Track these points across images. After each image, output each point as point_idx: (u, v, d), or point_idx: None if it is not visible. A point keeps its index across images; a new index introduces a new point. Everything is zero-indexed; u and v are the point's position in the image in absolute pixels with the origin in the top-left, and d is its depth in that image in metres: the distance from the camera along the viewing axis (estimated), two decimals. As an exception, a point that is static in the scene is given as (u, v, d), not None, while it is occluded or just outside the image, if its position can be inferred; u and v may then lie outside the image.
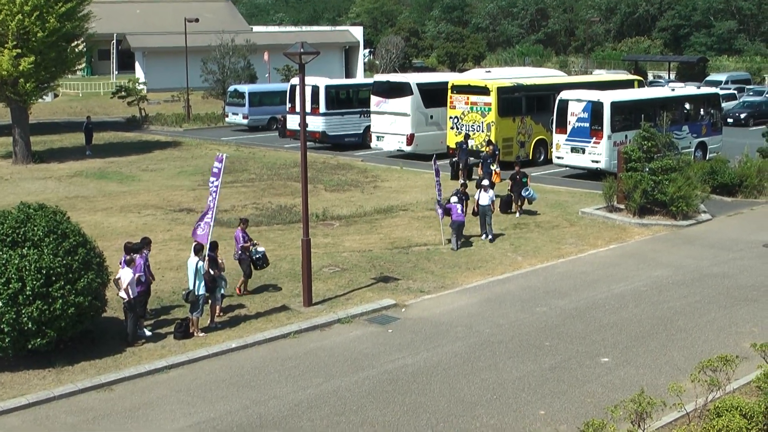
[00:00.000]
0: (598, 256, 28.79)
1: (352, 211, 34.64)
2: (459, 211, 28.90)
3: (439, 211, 29.67)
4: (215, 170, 21.98)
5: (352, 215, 34.06)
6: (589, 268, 27.22)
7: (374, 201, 36.79)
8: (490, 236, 29.94)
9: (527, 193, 33.01)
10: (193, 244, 21.45)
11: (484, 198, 30.15)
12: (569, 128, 40.82)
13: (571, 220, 33.36)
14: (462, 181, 34.67)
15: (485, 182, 30.82)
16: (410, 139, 46.99)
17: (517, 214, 33.29)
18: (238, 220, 32.43)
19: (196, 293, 20.86)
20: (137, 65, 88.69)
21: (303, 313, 22.64)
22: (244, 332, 21.29)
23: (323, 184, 40.67)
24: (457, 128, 44.72)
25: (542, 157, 45.86)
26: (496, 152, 40.05)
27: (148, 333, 21.01)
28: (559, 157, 41.79)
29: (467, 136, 42.35)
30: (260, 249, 24.37)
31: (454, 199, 29.25)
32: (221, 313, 22.36)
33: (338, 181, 41.59)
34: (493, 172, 37.76)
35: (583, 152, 40.50)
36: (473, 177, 40.62)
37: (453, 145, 43.58)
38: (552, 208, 34.82)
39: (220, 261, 22.12)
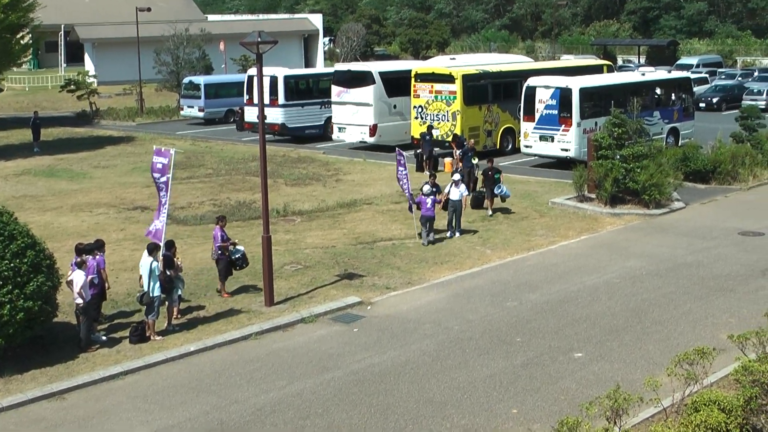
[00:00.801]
0: (570, 247, 28.86)
1: (314, 206, 34.52)
2: (429, 204, 28.78)
3: (410, 202, 29.57)
4: (158, 166, 21.88)
5: (314, 210, 33.94)
6: (560, 260, 27.27)
7: (337, 195, 36.68)
8: (457, 233, 29.82)
9: (500, 190, 32.42)
10: (148, 243, 21.27)
11: (455, 193, 30.00)
12: (537, 116, 40.90)
13: (541, 210, 33.43)
14: (429, 172, 34.60)
15: (456, 176, 30.60)
16: (373, 130, 46.92)
17: (490, 213, 32.81)
18: (197, 218, 32.45)
19: (151, 295, 20.67)
20: (87, 57, 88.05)
21: (264, 313, 22.51)
22: (203, 334, 21.13)
23: (283, 178, 40.52)
24: (422, 118, 44.71)
25: (510, 146, 45.95)
26: (464, 144, 40.09)
27: (102, 338, 20.80)
28: (527, 146, 41.87)
29: (431, 127, 42.36)
30: (240, 248, 24.18)
31: (426, 189, 29.15)
32: (179, 315, 22.18)
33: (299, 174, 41.44)
34: (454, 159, 37.81)
35: (552, 140, 40.60)
36: (439, 168, 40.68)
37: (418, 136, 43.57)
38: (521, 198, 34.87)
39: (177, 261, 21.92)
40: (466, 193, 30.69)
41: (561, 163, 41.00)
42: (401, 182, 29.92)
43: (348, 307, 23.06)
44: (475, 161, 35.91)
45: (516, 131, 45.11)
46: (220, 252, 23.77)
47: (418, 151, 41.90)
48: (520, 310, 22.73)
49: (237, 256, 23.93)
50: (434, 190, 29.40)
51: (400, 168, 29.93)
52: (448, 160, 41.74)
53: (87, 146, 51.82)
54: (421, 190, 29.38)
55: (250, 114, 52.14)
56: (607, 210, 32.95)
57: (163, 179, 21.74)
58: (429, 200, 28.80)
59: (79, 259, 20.56)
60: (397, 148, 31.72)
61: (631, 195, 33.43)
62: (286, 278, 25.28)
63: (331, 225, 31.70)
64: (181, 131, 58.07)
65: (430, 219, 28.87)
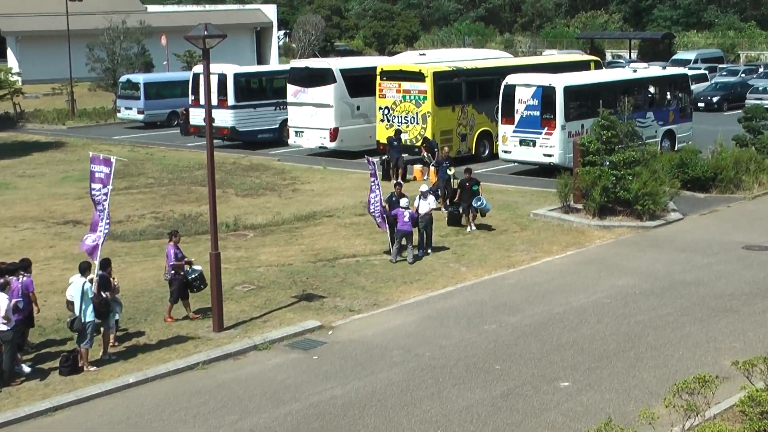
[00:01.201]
0: (554, 264, 28.96)
1: (269, 219, 34.46)
2: (406, 218, 28.71)
3: (378, 218, 29.30)
4: (100, 175, 21.71)
5: (268, 224, 33.88)
6: (543, 278, 27.36)
7: (294, 206, 36.64)
8: (428, 251, 29.76)
9: (479, 203, 32.12)
10: (80, 262, 21.11)
11: (424, 206, 29.79)
12: (517, 118, 41.06)
13: (522, 223, 33.53)
14: (396, 181, 34.57)
15: (423, 187, 30.45)
16: (334, 134, 46.93)
17: (469, 229, 32.46)
18: (136, 233, 32.30)
19: (84, 320, 20.46)
20: (9, 52, 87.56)
21: (213, 339, 22.42)
22: (144, 364, 21.00)
23: (234, 188, 40.45)
24: (388, 120, 44.76)
25: (487, 152, 46.12)
26: (435, 149, 40.17)
27: (27, 369, 20.57)
28: (506, 152, 42.01)
29: (399, 132, 42.37)
30: (197, 268, 24.01)
31: (404, 202, 29.10)
32: (116, 343, 22.03)
33: (251, 184, 41.38)
34: (426, 169, 37.83)
35: (534, 145, 40.77)
36: (408, 177, 40.69)
37: (384, 141, 43.59)
38: (500, 210, 34.96)
39: (113, 281, 21.79)
40: (434, 205, 30.46)
41: (544, 171, 41.16)
42: (372, 194, 29.46)
43: (307, 332, 23.00)
44: (452, 172, 35.46)
45: (493, 135, 45.25)
46: (173, 272, 23.61)
47: (384, 157, 41.89)
48: (499, 334, 22.75)
49: (194, 276, 23.74)
50: (419, 200, 29.40)
51: (372, 179, 29.64)
52: (417, 167, 41.83)
53: (10, 153, 51.53)
54: (391, 200, 29.37)
55: (196, 116, 51.96)
56: (596, 222, 33.10)
57: (104, 191, 21.54)
58: (407, 213, 28.74)
59: (2, 281, 20.33)
60: (367, 157, 31.58)
61: (622, 205, 33.58)
62: (237, 300, 25.20)
63: (287, 240, 31.64)
64: (118, 136, 57.87)
65: (407, 234, 28.80)
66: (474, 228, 32.45)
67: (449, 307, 24.98)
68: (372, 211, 29.47)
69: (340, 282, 26.99)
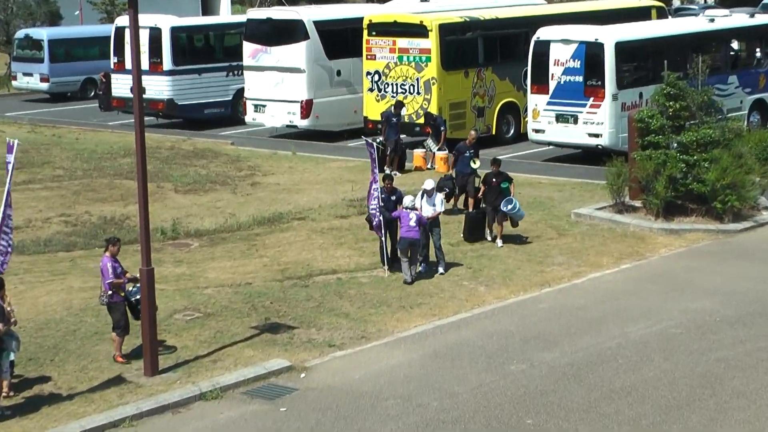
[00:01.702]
0: (603, 281, 28.88)
1: (219, 224, 34.38)
2: (413, 223, 28.43)
3: (375, 218, 29.15)
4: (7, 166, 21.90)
5: (218, 230, 33.81)
6: (589, 301, 27.28)
7: (253, 206, 36.59)
8: (439, 268, 29.65)
9: (511, 207, 31.38)
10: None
11: (427, 209, 29.54)
12: (552, 85, 41.01)
13: (560, 227, 33.44)
14: (387, 173, 34.26)
15: (428, 183, 30.14)
16: (306, 109, 46.83)
17: (499, 243, 31.85)
18: (39, 243, 32.22)
19: (-34, 361, 20.42)
20: None
21: (145, 386, 22.29)
22: (50, 420, 20.81)
23: (172, 181, 40.42)
24: (379, 90, 44.76)
25: (512, 131, 46.14)
26: (442, 128, 40.02)
27: None
28: (537, 131, 41.97)
29: (400, 105, 42.11)
30: None
31: (407, 200, 28.93)
32: (10, 392, 21.83)
33: (196, 176, 41.34)
34: (430, 155, 37.71)
35: (575, 122, 40.73)
36: (406, 167, 40.57)
37: (375, 117, 43.47)
38: (530, 209, 34.80)
39: (7, 309, 21.60)
40: (441, 208, 30.29)
41: (588, 156, 41.09)
42: (375, 184, 29.34)
43: (271, 375, 22.89)
44: (476, 165, 34.83)
45: (520, 108, 45.22)
46: (111, 293, 23.36)
47: (379, 140, 41.33)
48: (530, 377, 22.63)
49: (138, 297, 23.37)
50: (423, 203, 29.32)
51: (373, 166, 29.45)
52: (419, 152, 41.66)
53: None
54: (383, 198, 29.25)
55: (120, 85, 51.86)
56: (660, 225, 33.05)
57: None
58: (413, 216, 28.56)
59: None
60: (365, 139, 31.38)
61: (695, 202, 33.52)
62: (177, 333, 25.11)
63: (244, 252, 31.55)
64: (13, 111, 57.82)
65: (413, 243, 28.58)
66: (501, 244, 31.77)
67: (463, 340, 24.86)
68: (372, 208, 29.35)
69: (315, 307, 26.89)
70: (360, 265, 29.95)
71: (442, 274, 29.30)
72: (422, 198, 29.78)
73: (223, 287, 28.41)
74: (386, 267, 28.92)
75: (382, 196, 29.52)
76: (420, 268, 29.31)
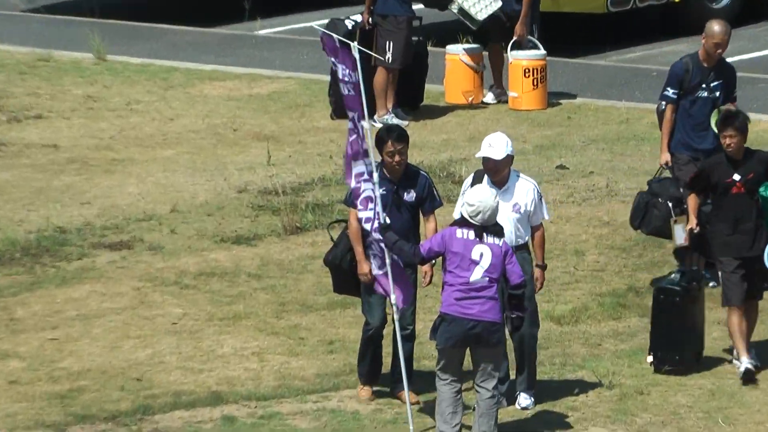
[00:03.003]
0: None
1: None
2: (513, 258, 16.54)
3: (376, 249, 17.74)
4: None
5: None
6: None
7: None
8: (529, 393, 16.62)
9: None
10: None
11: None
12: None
13: None
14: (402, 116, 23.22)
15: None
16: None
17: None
18: None
19: None
20: None
21: None
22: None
23: None
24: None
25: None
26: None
27: None
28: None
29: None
30: None
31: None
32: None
33: None
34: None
35: None
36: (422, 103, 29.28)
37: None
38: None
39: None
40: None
41: None
42: (357, 169, 18.74)
43: None
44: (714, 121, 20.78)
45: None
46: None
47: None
48: None
49: None
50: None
51: (351, 126, 18.57)
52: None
53: None
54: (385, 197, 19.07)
55: None
56: None
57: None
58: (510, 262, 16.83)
59: None
60: (320, 29, 19.84)
61: None
62: None
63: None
64: None
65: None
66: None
67: None
68: (369, 225, 16.64)
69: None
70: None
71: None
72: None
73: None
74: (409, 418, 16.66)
75: (384, 190, 14.76)
76: (502, 390, 16.03)
